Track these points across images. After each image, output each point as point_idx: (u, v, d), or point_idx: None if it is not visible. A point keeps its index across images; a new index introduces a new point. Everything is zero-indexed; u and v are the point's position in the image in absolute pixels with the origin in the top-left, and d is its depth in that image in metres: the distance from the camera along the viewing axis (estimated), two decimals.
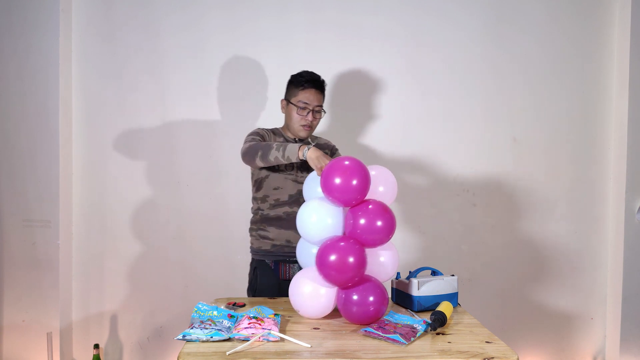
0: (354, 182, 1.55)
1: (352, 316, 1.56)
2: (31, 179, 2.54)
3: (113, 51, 2.60)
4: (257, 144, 1.86)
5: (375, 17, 2.62)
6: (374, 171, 1.71)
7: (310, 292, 1.60)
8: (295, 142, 2.02)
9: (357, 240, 1.57)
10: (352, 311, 1.55)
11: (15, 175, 2.55)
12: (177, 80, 2.61)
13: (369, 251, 1.61)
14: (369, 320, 1.56)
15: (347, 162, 1.58)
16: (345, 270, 1.51)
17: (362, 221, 1.55)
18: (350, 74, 2.64)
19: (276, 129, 2.07)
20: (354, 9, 2.61)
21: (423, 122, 2.67)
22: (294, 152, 1.73)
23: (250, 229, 2.10)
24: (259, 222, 2.05)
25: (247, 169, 2.61)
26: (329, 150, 2.12)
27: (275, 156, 1.78)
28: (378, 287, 1.58)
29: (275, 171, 1.99)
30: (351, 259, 1.51)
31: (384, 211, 1.58)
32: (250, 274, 2.11)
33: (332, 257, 1.51)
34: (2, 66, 2.53)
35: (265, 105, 2.63)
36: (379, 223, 1.56)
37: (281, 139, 2.03)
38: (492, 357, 1.32)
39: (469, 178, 2.69)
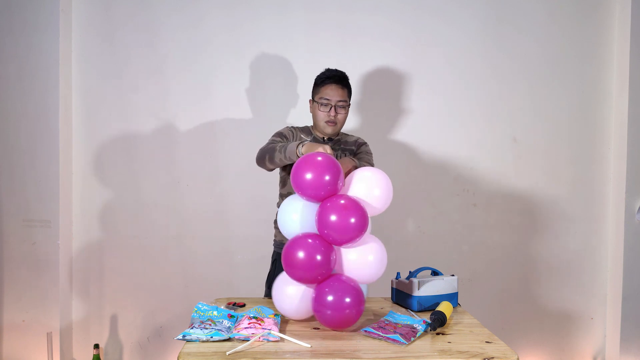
0: (327, 177, 1.50)
1: (327, 320, 1.49)
2: (31, 179, 2.54)
3: (113, 51, 2.60)
4: (266, 148, 1.88)
5: (375, 16, 2.62)
6: (368, 172, 1.66)
7: (293, 293, 1.57)
8: (324, 140, 2.00)
9: (321, 238, 1.51)
10: (326, 314, 1.48)
11: (15, 175, 2.55)
12: (177, 80, 2.61)
13: (353, 250, 1.56)
14: (344, 324, 1.49)
15: (319, 158, 1.54)
16: (309, 268, 1.47)
17: (332, 218, 1.48)
18: (350, 74, 2.61)
19: (306, 127, 2.05)
20: (354, 9, 2.61)
21: (423, 122, 2.67)
22: (293, 152, 1.74)
23: (275, 221, 2.07)
24: None
25: (247, 169, 2.62)
26: (355, 146, 2.06)
27: (280, 157, 1.80)
28: (352, 287, 1.51)
29: None
30: (319, 257, 1.47)
31: (352, 208, 1.50)
32: (271, 266, 2.10)
33: (297, 256, 1.47)
34: (3, 66, 2.53)
35: (264, 104, 2.63)
36: (352, 220, 1.48)
37: (310, 138, 2.00)
38: (492, 357, 1.32)
39: (469, 178, 2.69)
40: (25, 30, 2.51)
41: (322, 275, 1.50)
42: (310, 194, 1.54)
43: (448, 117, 2.67)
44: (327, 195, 1.54)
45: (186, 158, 2.63)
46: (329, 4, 2.61)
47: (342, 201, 1.51)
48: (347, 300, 1.47)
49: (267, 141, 1.96)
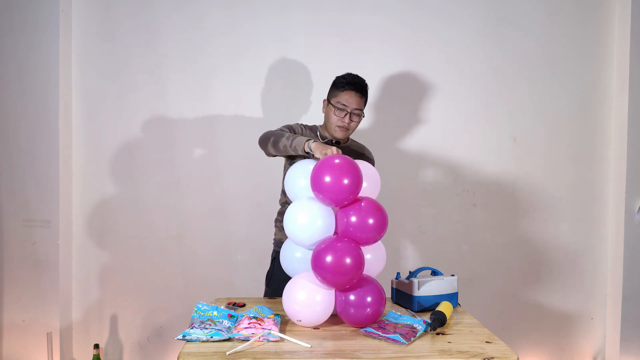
0: (346, 181, 1.51)
1: (350, 318, 1.54)
2: (31, 179, 2.54)
3: (113, 51, 2.60)
4: (274, 131, 1.87)
5: (375, 17, 2.62)
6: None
7: (306, 300, 1.55)
8: (332, 143, 2.01)
9: (353, 240, 1.54)
10: (349, 312, 1.53)
11: (15, 175, 2.55)
12: (176, 80, 2.61)
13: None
14: (367, 322, 1.54)
15: (337, 161, 1.54)
16: (344, 271, 1.47)
17: (353, 219, 1.53)
18: None
19: (314, 126, 2.06)
20: (354, 9, 2.61)
21: (423, 122, 2.67)
22: (301, 144, 1.73)
23: (276, 220, 2.08)
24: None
25: (247, 169, 2.62)
26: (357, 156, 2.07)
27: (285, 144, 1.78)
28: (377, 287, 1.56)
29: None
30: (348, 260, 1.47)
31: (377, 209, 1.56)
32: (270, 264, 2.09)
33: (330, 259, 1.47)
34: (2, 66, 2.53)
35: (264, 103, 2.63)
36: (371, 221, 1.52)
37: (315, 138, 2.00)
38: (492, 357, 1.32)
39: (469, 178, 2.69)
40: (25, 30, 2.51)
41: (358, 277, 1.53)
42: (332, 197, 1.54)
43: (448, 117, 2.67)
44: (350, 201, 1.56)
45: (186, 158, 2.63)
46: (329, 4, 2.61)
47: (363, 204, 1.56)
48: (369, 299, 1.52)
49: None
